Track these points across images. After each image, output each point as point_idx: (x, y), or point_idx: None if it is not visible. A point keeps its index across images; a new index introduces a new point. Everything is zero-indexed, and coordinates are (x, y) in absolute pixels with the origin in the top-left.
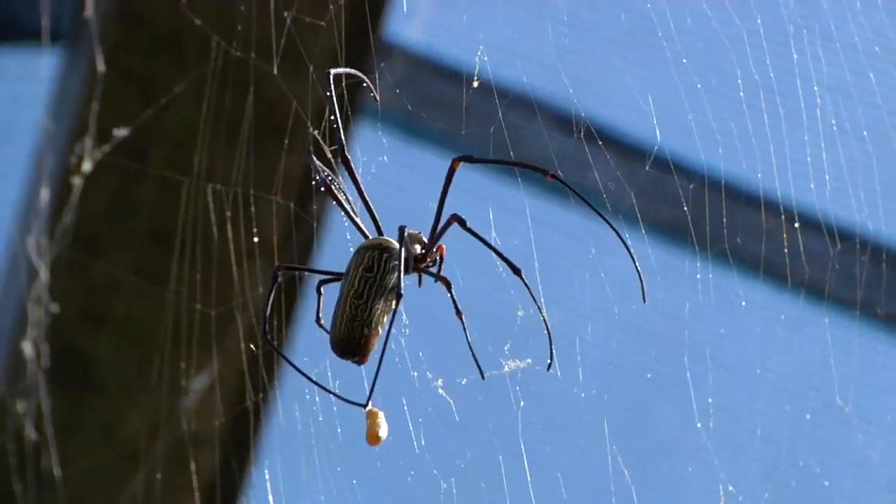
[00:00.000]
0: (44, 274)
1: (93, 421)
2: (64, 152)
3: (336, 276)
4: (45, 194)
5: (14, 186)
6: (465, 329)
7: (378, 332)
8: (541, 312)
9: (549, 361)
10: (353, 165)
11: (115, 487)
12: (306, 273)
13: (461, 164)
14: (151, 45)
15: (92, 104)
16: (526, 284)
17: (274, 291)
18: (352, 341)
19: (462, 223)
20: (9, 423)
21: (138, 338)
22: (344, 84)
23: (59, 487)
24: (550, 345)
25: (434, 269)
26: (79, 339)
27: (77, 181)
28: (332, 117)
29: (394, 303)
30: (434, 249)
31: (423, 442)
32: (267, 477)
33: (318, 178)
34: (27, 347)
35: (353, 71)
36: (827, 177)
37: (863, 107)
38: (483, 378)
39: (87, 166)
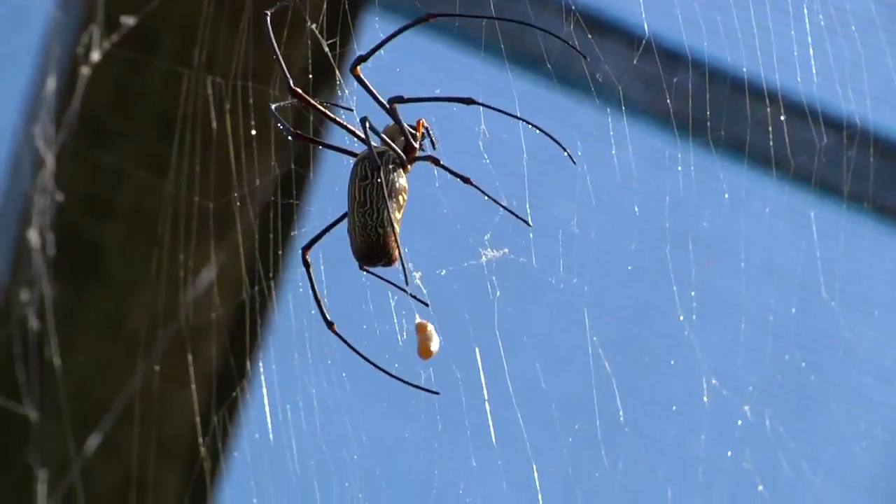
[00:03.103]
0: (50, 162)
1: (97, 311)
2: (72, 41)
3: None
4: (51, 83)
5: (24, 74)
6: (482, 189)
7: (392, 229)
8: (505, 208)
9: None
10: (305, 96)
11: (117, 378)
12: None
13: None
14: None
15: None
16: (480, 190)
17: (312, 275)
18: (372, 245)
19: (399, 100)
20: (14, 310)
21: (143, 228)
22: None
23: (59, 377)
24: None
25: (427, 147)
26: (85, 228)
27: (85, 70)
28: (275, 57)
29: (397, 194)
30: (414, 129)
31: (404, 335)
32: (261, 370)
33: (280, 126)
34: (32, 236)
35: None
36: (814, 67)
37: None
38: (529, 225)
39: (94, 56)
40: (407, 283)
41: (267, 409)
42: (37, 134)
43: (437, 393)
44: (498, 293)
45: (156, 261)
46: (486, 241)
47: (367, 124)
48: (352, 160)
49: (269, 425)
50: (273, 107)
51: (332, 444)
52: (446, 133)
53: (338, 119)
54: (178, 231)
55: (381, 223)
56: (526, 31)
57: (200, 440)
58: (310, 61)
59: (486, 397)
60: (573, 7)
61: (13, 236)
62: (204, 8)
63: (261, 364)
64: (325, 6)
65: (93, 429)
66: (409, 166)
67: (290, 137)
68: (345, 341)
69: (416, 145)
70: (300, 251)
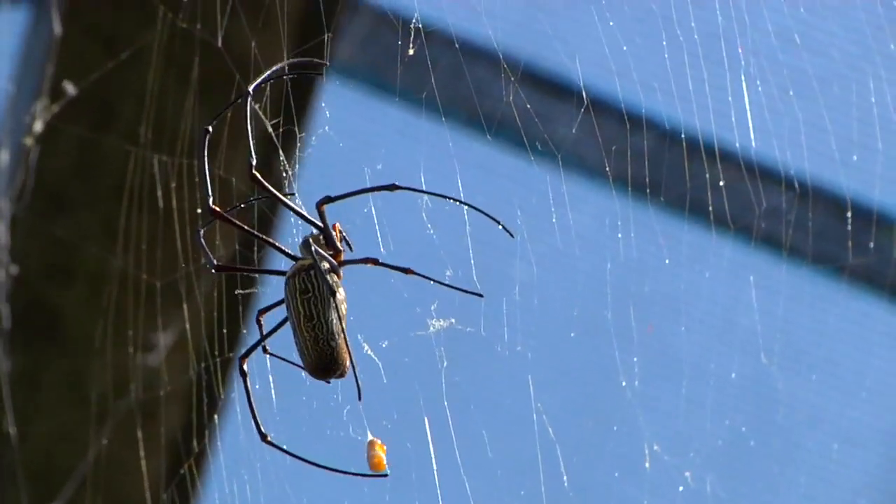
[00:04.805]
0: (3, 235)
1: (58, 377)
2: (23, 113)
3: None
4: (4, 156)
5: None
6: (425, 276)
7: (342, 339)
8: (451, 287)
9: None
10: (264, 182)
11: (78, 445)
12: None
13: (325, 205)
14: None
15: (46, 66)
16: (423, 276)
17: (249, 385)
18: (325, 359)
19: (328, 200)
20: None
21: (102, 291)
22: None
23: (16, 447)
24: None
25: (350, 254)
26: (43, 293)
27: (28, 141)
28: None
29: (337, 304)
30: (333, 234)
31: (349, 407)
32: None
33: (203, 259)
34: None
35: (268, 74)
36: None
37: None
38: (481, 296)
39: (38, 126)
40: (360, 398)
41: (224, 478)
42: None
43: (386, 475)
44: (445, 363)
45: (101, 330)
46: (433, 310)
47: (312, 246)
48: (282, 279)
49: (218, 497)
50: (201, 232)
51: None
52: (391, 205)
53: (292, 205)
54: (125, 305)
55: (332, 336)
56: (482, 96)
57: (165, 499)
58: (251, 142)
59: (435, 468)
60: (525, 70)
61: None
62: (150, 81)
63: (216, 434)
64: (267, 87)
65: (52, 497)
66: (340, 272)
67: (213, 270)
68: (282, 450)
69: (340, 248)
70: (237, 360)
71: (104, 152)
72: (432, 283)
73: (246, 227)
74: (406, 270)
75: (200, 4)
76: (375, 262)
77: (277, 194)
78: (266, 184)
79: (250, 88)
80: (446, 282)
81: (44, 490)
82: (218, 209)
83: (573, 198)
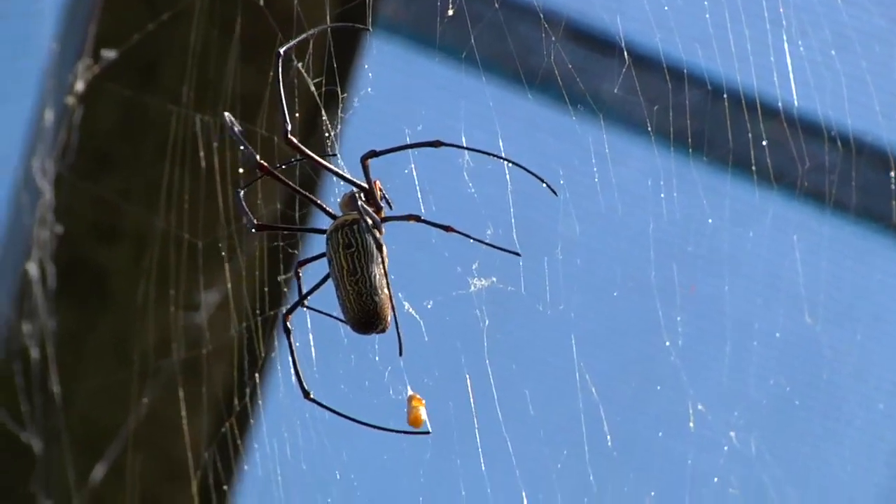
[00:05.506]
0: (48, 194)
1: (103, 336)
2: (68, 73)
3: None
4: (49, 116)
5: (28, 102)
6: (465, 234)
7: (385, 295)
8: (491, 245)
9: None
10: (300, 146)
11: (123, 404)
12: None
13: (370, 159)
14: None
15: (89, 25)
16: (463, 234)
17: (292, 342)
18: (367, 313)
19: (372, 155)
20: (17, 343)
21: (147, 250)
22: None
23: (61, 407)
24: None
25: (390, 212)
26: (88, 253)
27: (70, 101)
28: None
29: (382, 258)
30: (375, 191)
31: (390, 367)
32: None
33: (244, 219)
34: (32, 269)
35: (300, 39)
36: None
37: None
38: (518, 255)
39: (80, 86)
40: (401, 353)
41: (265, 435)
42: (35, 167)
43: (428, 433)
44: (487, 322)
45: (143, 289)
46: (474, 269)
47: (359, 202)
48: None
49: (259, 454)
50: (240, 193)
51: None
52: (432, 163)
53: (331, 167)
54: (167, 264)
55: (375, 290)
56: (531, 54)
57: (207, 458)
58: (296, 100)
59: (476, 426)
60: (567, 24)
61: (16, 270)
62: (192, 41)
63: (258, 392)
64: (310, 46)
65: (98, 456)
66: (383, 228)
67: (252, 230)
68: (325, 406)
69: (381, 205)
70: (281, 316)
71: (147, 112)
72: (472, 241)
73: (319, 159)
74: (447, 228)
75: None
76: (417, 218)
77: (315, 156)
78: (302, 147)
79: (281, 50)
80: (486, 240)
81: (88, 449)
82: (294, 140)
83: (616, 155)
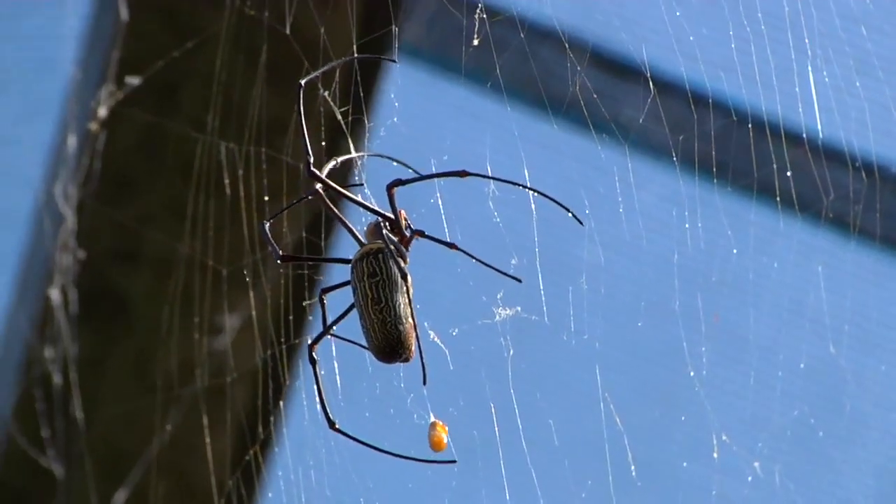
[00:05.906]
0: (70, 219)
1: (124, 361)
2: (90, 99)
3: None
4: (71, 141)
5: (50, 126)
6: (468, 253)
7: (409, 324)
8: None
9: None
10: (325, 179)
11: (146, 430)
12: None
13: (395, 188)
14: None
15: (112, 51)
16: (466, 253)
17: (318, 372)
18: (391, 342)
19: (399, 183)
20: (38, 368)
21: (168, 274)
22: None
23: (83, 432)
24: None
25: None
26: (110, 278)
27: (93, 126)
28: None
29: (407, 287)
30: (401, 221)
31: (412, 395)
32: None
33: (270, 249)
34: (54, 294)
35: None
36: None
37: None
38: (520, 281)
39: (103, 112)
40: (425, 382)
41: (289, 463)
42: (57, 192)
43: (453, 462)
44: (511, 351)
45: (167, 315)
46: (499, 299)
47: (384, 231)
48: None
49: (283, 482)
50: (265, 225)
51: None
52: (458, 192)
53: (355, 197)
54: (191, 291)
55: (399, 319)
56: (556, 80)
57: (231, 485)
58: (322, 128)
59: (501, 455)
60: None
61: (38, 295)
62: (217, 67)
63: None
64: (337, 74)
65: (119, 481)
66: (408, 257)
67: (278, 261)
68: (350, 437)
69: (406, 234)
70: (307, 347)
71: (171, 138)
72: (474, 261)
73: (343, 190)
74: (451, 245)
75: None
76: (422, 234)
77: (338, 188)
78: (327, 180)
79: (303, 82)
80: (488, 262)
81: (110, 474)
82: (318, 172)
83: (640, 181)
